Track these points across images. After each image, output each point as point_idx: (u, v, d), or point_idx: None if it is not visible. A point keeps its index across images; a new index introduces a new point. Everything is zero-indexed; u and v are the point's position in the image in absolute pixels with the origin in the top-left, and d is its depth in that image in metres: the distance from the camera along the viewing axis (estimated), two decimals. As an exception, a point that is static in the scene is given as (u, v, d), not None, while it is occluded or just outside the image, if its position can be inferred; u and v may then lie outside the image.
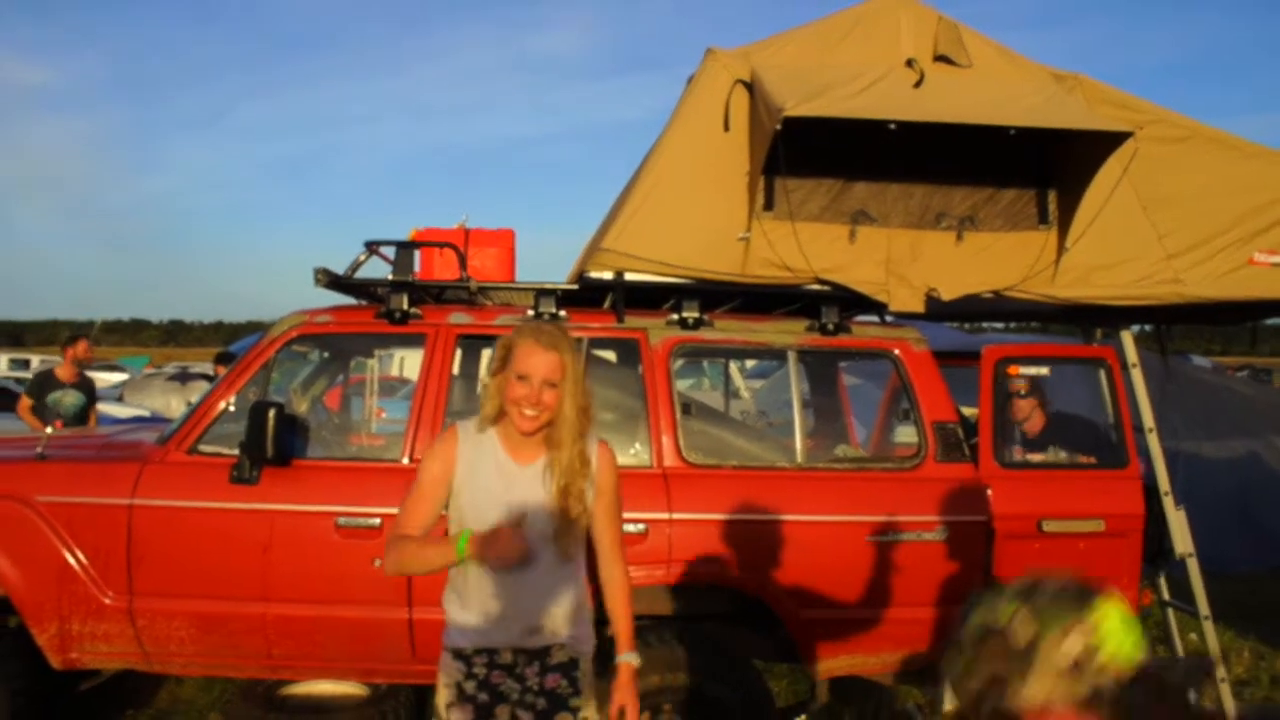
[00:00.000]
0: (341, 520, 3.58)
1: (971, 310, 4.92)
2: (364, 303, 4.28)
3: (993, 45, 4.14)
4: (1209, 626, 4.46)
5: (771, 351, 4.07)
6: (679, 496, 3.64)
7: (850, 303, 4.06)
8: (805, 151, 3.70)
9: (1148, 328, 5.17)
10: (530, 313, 3.90)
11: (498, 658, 2.48)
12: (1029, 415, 4.33)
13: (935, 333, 4.52)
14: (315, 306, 4.01)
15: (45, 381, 7.39)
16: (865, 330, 4.06)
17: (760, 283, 3.93)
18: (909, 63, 3.97)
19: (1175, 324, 5.02)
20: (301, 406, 4.24)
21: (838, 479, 3.79)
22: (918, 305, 3.95)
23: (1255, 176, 4.12)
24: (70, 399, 7.33)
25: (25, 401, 7.34)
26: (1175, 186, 4.08)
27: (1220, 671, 4.53)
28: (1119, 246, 4.04)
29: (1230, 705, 4.43)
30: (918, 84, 3.90)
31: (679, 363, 3.96)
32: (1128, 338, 4.53)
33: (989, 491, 3.76)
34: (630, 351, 3.99)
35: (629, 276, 3.87)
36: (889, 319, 4.29)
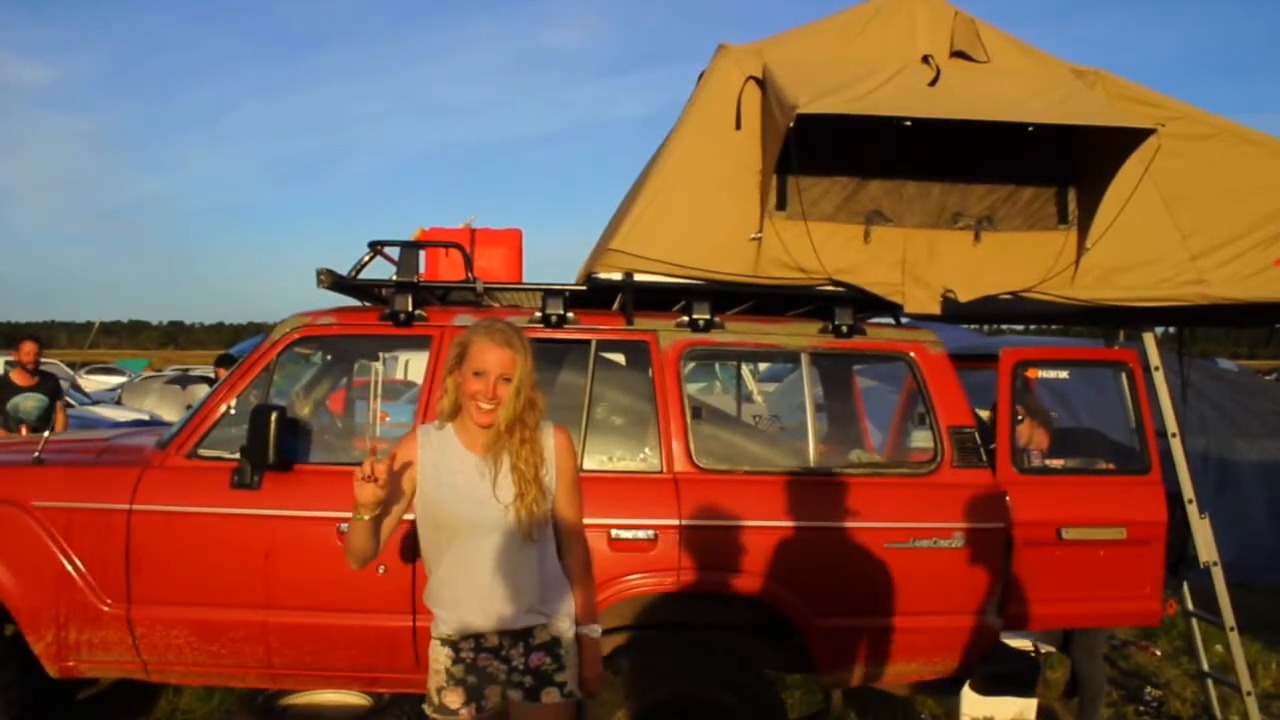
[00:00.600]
0: (344, 526, 3.49)
1: (989, 312, 4.83)
2: (368, 304, 4.23)
3: (1011, 40, 4.06)
4: (1235, 638, 4.37)
5: (784, 354, 4.01)
6: (689, 502, 3.57)
7: (865, 304, 3.98)
8: (819, 149, 3.63)
9: (1170, 330, 5.07)
10: (538, 314, 3.84)
11: (484, 641, 2.62)
12: (1029, 438, 4.21)
13: (952, 335, 4.45)
14: (318, 308, 3.95)
15: (3, 388, 7.31)
16: (880, 332, 3.99)
17: (773, 284, 3.85)
18: (925, 59, 3.90)
19: (1199, 326, 4.92)
20: (304, 410, 4.19)
21: (852, 485, 3.70)
22: (934, 307, 3.88)
23: None
24: (30, 403, 7.25)
25: None
26: (1200, 185, 3.98)
27: (1246, 685, 4.42)
28: (1141, 247, 3.95)
29: None
30: (934, 80, 3.83)
31: (690, 365, 3.89)
32: (1150, 340, 4.44)
33: (1007, 498, 3.67)
34: (640, 354, 3.92)
35: (638, 277, 3.80)
36: (904, 321, 4.21)
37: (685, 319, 3.86)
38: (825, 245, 3.81)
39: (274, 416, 3.46)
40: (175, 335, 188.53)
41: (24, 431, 6.92)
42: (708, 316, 3.84)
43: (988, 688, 3.98)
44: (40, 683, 3.66)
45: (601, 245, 4.06)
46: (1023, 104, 3.69)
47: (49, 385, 7.45)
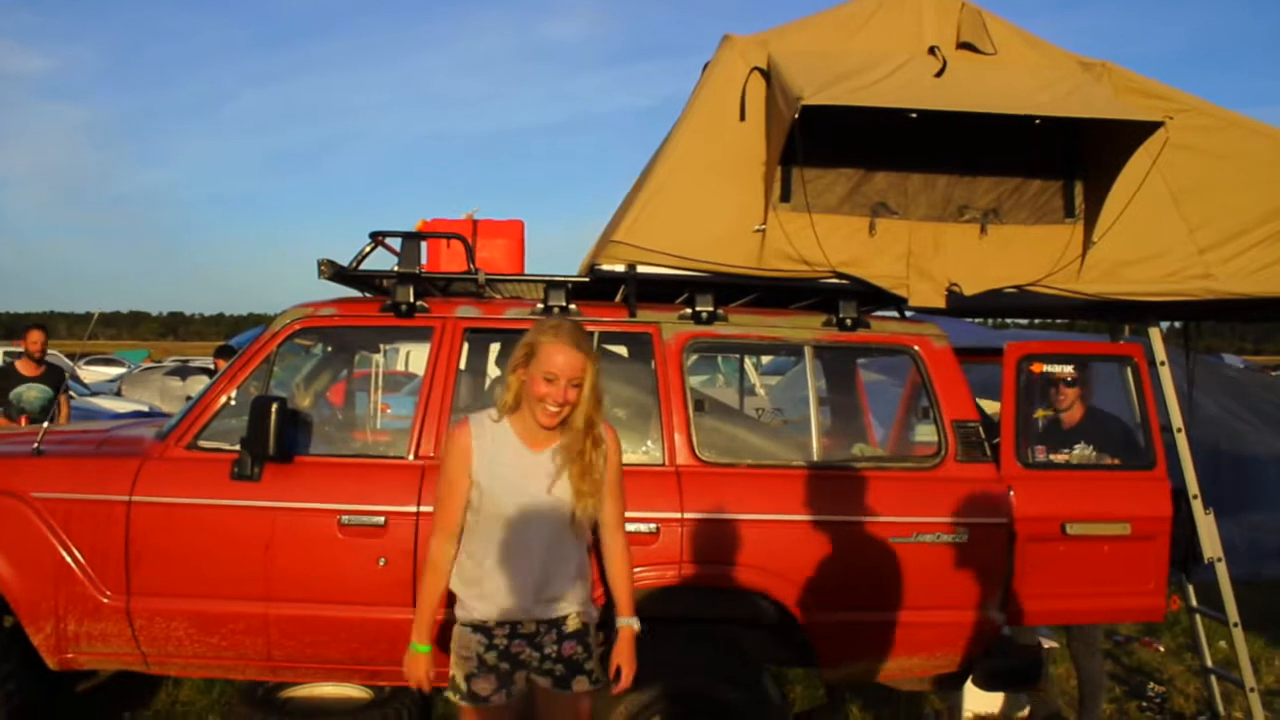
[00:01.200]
0: (345, 518, 3.50)
1: (994, 306, 4.81)
2: (369, 295, 4.21)
3: (1018, 32, 4.02)
4: (1238, 634, 4.35)
5: (788, 347, 3.99)
6: (692, 495, 3.55)
7: (869, 297, 3.96)
8: (824, 141, 3.61)
9: (1176, 324, 5.04)
10: (540, 306, 3.81)
11: (520, 628, 2.69)
12: (1071, 405, 4.17)
13: (956, 328, 4.42)
14: (319, 299, 3.93)
15: (7, 377, 7.28)
16: (884, 326, 3.96)
17: (777, 276, 3.83)
18: (931, 50, 3.87)
19: (1205, 320, 4.89)
20: (304, 401, 4.17)
21: (855, 478, 3.68)
22: (939, 300, 3.86)
23: None
24: (34, 393, 7.21)
25: None
26: (1207, 178, 3.96)
27: (1249, 681, 4.41)
28: (1148, 240, 3.92)
29: (1260, 717, 4.31)
30: (940, 72, 3.79)
31: (692, 358, 3.86)
32: (1156, 335, 4.41)
33: (1011, 492, 3.65)
34: (643, 346, 3.91)
35: (642, 269, 3.78)
36: (909, 314, 4.19)
37: (688, 311, 3.83)
38: (830, 237, 3.79)
39: (274, 408, 3.43)
40: (175, 326, 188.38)
41: (24, 422, 6.89)
42: (711, 309, 3.81)
43: (990, 683, 3.96)
44: (40, 675, 3.64)
45: (605, 237, 4.04)
46: (1030, 96, 3.66)
47: (54, 376, 7.40)
